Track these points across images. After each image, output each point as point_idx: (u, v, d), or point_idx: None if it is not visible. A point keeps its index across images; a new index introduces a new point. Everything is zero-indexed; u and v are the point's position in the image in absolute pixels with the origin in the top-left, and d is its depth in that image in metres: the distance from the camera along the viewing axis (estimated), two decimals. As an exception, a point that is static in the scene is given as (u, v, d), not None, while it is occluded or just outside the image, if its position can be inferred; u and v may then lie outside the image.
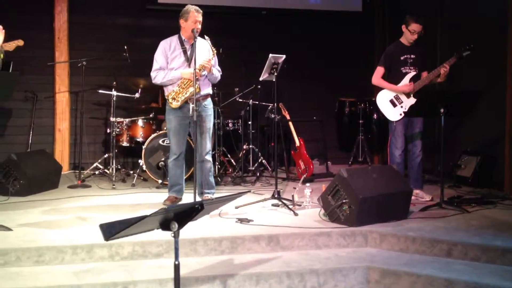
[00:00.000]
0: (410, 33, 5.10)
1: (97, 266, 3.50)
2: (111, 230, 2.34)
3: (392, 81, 5.16)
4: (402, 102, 5.09)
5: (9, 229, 3.91)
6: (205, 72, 4.71)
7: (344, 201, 4.13)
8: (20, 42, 4.49)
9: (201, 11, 4.74)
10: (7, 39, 4.39)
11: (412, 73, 5.12)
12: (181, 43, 4.81)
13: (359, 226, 4.04)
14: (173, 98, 4.72)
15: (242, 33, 7.59)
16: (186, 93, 4.65)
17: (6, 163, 5.36)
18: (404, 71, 5.14)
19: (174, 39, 4.85)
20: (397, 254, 3.83)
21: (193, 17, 4.70)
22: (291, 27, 7.87)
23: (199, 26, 4.70)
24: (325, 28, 8.00)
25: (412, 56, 5.14)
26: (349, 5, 8.14)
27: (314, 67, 7.92)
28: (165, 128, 6.23)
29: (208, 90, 4.92)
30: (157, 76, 4.81)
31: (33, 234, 3.83)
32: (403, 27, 5.16)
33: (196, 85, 4.53)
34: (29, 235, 3.81)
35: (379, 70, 5.23)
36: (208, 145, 4.88)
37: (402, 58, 5.15)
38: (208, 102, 4.93)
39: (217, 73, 4.90)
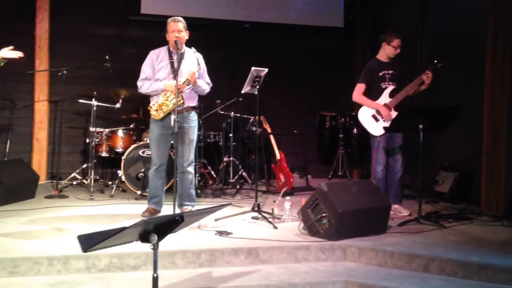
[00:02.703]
0: (393, 49, 5.20)
1: (73, 278, 3.44)
2: (90, 242, 2.31)
3: (372, 97, 5.23)
4: (384, 116, 5.14)
5: (-17, 239, 3.83)
6: (190, 85, 4.70)
7: (323, 215, 4.15)
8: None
9: (180, 20, 4.73)
10: None
11: (391, 87, 5.19)
12: (170, 54, 4.80)
13: (338, 240, 4.05)
14: (156, 110, 4.72)
15: (224, 45, 7.63)
16: (169, 105, 4.64)
17: (-18, 171, 5.27)
18: (383, 86, 5.22)
19: (163, 50, 4.85)
20: (375, 268, 3.85)
21: (170, 28, 4.71)
22: (274, 40, 7.95)
23: (181, 35, 4.69)
24: (308, 42, 8.10)
25: (390, 71, 5.24)
26: (331, 20, 8.27)
27: (296, 81, 7.99)
28: (145, 139, 6.21)
29: (193, 102, 4.90)
30: (143, 86, 4.81)
31: (9, 244, 3.75)
32: (384, 44, 5.26)
33: (179, 97, 4.53)
34: (4, 245, 3.74)
35: (360, 87, 5.30)
36: (191, 157, 4.86)
37: (380, 74, 5.24)
38: (192, 115, 4.91)
39: (204, 85, 4.90)
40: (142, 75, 4.84)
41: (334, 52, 8.15)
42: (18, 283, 3.32)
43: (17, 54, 4.45)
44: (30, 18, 6.98)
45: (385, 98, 5.19)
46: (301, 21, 8.12)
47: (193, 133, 4.89)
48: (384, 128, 5.11)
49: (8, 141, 6.73)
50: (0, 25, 6.59)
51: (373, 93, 5.24)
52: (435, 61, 4.96)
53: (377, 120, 5.17)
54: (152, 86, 4.76)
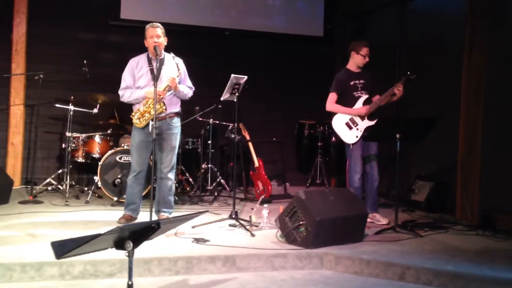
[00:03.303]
0: (362, 58, 5.27)
1: (46, 285, 3.38)
2: (63, 248, 2.27)
3: (345, 106, 5.26)
4: (357, 124, 5.19)
5: (-47, 245, 3.74)
6: (171, 91, 4.68)
7: (301, 222, 4.15)
8: None
9: (159, 25, 4.72)
10: None
11: (365, 97, 5.23)
12: (149, 61, 4.75)
13: (315, 248, 4.06)
14: (138, 118, 4.67)
15: (205, 52, 7.62)
16: (151, 112, 4.58)
17: (-46, 176, 5.16)
18: (356, 95, 5.26)
19: (142, 58, 4.81)
20: (352, 276, 3.86)
21: (149, 33, 4.69)
22: (254, 48, 7.97)
23: (159, 41, 4.67)
24: (287, 51, 8.14)
25: (361, 81, 5.29)
26: (311, 30, 8.32)
27: (275, 88, 8.02)
28: (122, 145, 6.16)
29: (175, 108, 4.86)
30: (124, 95, 4.77)
31: (-20, 251, 3.68)
32: (353, 53, 5.32)
33: (161, 104, 4.51)
34: (-25, 251, 3.66)
35: (332, 96, 5.32)
36: (172, 163, 4.83)
37: (351, 83, 5.28)
38: (175, 121, 4.87)
39: (186, 89, 4.86)
40: (123, 84, 4.80)
41: (314, 61, 8.21)
42: (-11, 291, 3.25)
43: None
44: (7, 21, 6.87)
45: (359, 106, 5.23)
46: (280, 29, 8.16)
47: (175, 140, 4.86)
48: (362, 137, 5.14)
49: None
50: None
51: (345, 102, 5.26)
52: (408, 73, 5.00)
53: (350, 128, 5.21)
54: (133, 95, 4.72)
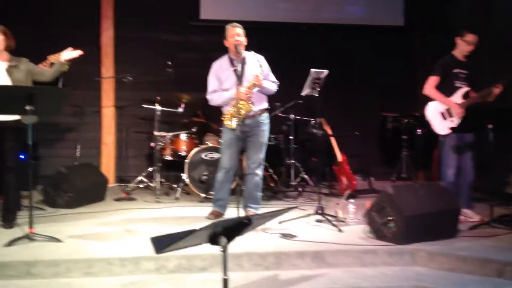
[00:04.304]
0: (465, 44, 4.99)
1: (143, 279, 3.54)
2: (162, 244, 2.37)
3: (443, 94, 5.01)
4: (452, 116, 4.95)
5: (59, 240, 4.00)
6: (256, 88, 4.73)
7: (390, 218, 4.06)
8: (58, 55, 4.64)
9: (238, 25, 4.78)
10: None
11: (465, 89, 4.95)
12: (231, 62, 4.81)
13: (406, 244, 3.96)
14: (229, 119, 4.75)
15: (281, 48, 7.59)
16: (240, 113, 4.61)
17: (56, 175, 5.52)
18: (457, 85, 4.99)
19: (224, 60, 4.88)
20: (446, 273, 3.73)
21: (229, 33, 4.76)
22: (331, 41, 7.85)
23: (240, 39, 4.73)
24: (367, 42, 7.96)
25: (464, 71, 5.01)
26: (390, 19, 8.08)
27: (355, 81, 7.87)
28: (207, 143, 6.31)
29: (263, 105, 4.90)
30: (212, 99, 4.87)
31: (82, 246, 3.91)
32: (458, 39, 5.03)
33: (249, 103, 4.59)
34: (78, 246, 3.90)
35: (433, 80, 5.04)
36: (260, 159, 4.88)
37: (454, 71, 5.01)
38: (264, 117, 4.91)
39: (271, 85, 4.88)
40: (210, 88, 4.88)
41: (394, 52, 7.97)
42: (93, 284, 3.45)
43: (77, 53, 4.60)
44: (95, 26, 7.23)
45: (457, 98, 4.96)
46: (359, 20, 7.99)
47: (264, 136, 4.90)
48: (451, 128, 4.92)
49: (78, 146, 6.97)
50: (68, 34, 6.83)
51: (444, 90, 5.01)
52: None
53: (444, 118, 4.97)
54: (222, 97, 4.80)
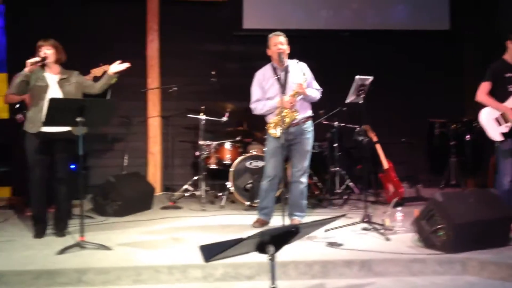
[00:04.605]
0: None
1: (191, 287, 3.58)
2: (211, 252, 2.39)
3: (496, 100, 4.84)
4: (507, 121, 4.77)
5: (109, 248, 4.10)
6: (300, 97, 4.74)
7: (439, 226, 3.97)
8: (106, 67, 4.78)
9: (281, 34, 4.81)
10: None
11: None
12: (274, 71, 4.84)
13: (456, 253, 3.86)
14: (274, 128, 4.78)
15: (323, 55, 7.54)
16: (285, 121, 4.64)
17: (105, 185, 5.67)
18: (510, 89, 4.82)
19: (267, 69, 4.91)
20: (498, 283, 3.63)
21: (272, 41, 4.79)
22: (373, 48, 7.75)
23: (283, 48, 4.75)
24: (411, 47, 7.82)
25: None
26: (435, 24, 7.92)
27: (400, 88, 7.73)
28: (251, 151, 6.33)
29: (307, 112, 4.91)
30: (256, 108, 4.90)
31: (131, 254, 3.99)
32: (508, 43, 4.88)
33: (294, 111, 4.62)
34: (127, 254, 3.99)
35: (485, 86, 4.89)
36: (305, 167, 4.87)
37: (506, 75, 4.85)
38: (308, 125, 4.92)
39: (314, 93, 4.90)
40: (253, 98, 4.93)
41: (439, 56, 7.80)
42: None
43: (125, 65, 4.72)
44: (141, 39, 7.41)
45: (511, 103, 4.76)
46: (403, 25, 7.87)
47: (309, 144, 4.90)
48: (506, 133, 4.74)
49: (125, 156, 7.12)
50: (115, 47, 7.02)
51: (497, 95, 4.85)
52: None
53: (499, 124, 4.80)
54: (266, 106, 4.83)
